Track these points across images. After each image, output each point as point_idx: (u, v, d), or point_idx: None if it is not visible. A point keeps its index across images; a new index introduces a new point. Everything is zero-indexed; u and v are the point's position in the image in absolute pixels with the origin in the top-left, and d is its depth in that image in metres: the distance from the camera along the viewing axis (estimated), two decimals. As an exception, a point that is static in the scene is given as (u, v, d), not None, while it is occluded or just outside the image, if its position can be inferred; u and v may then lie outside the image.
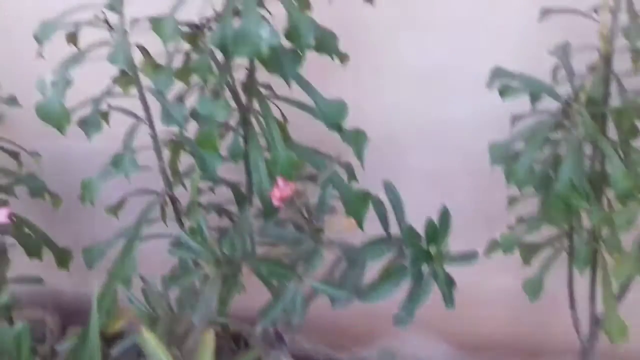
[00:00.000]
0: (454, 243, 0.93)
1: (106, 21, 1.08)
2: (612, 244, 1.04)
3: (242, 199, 1.24)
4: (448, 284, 0.79)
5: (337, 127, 1.04)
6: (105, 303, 0.96)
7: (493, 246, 1.13)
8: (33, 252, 1.36)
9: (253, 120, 1.14)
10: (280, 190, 1.07)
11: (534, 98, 1.06)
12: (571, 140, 0.95)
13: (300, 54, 0.96)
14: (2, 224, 1.04)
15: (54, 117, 1.02)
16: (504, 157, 1.05)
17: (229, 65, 1.00)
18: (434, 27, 1.26)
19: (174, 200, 1.25)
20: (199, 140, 1.10)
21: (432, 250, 0.79)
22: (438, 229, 0.77)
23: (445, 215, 0.79)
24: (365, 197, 1.10)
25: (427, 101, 1.32)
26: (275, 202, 1.07)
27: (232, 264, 0.81)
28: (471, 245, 0.91)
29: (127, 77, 1.16)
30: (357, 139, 1.10)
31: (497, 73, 1.08)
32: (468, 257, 0.80)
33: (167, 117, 1.06)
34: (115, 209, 1.28)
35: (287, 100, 1.13)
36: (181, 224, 1.27)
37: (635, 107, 0.93)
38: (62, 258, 1.43)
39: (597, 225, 1.03)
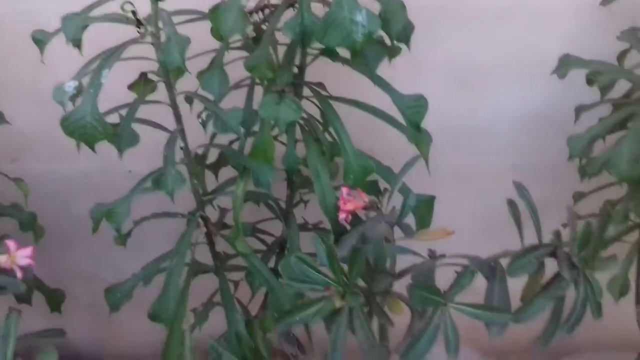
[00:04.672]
0: (490, 246, 0.86)
1: (134, 14, 0.89)
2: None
3: (285, 216, 1.10)
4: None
5: (416, 126, 0.93)
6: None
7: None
8: (21, 296, 1.12)
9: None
10: (350, 202, 0.94)
11: (606, 87, 1.02)
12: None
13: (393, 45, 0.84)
14: (26, 266, 0.82)
15: (87, 130, 0.83)
16: (584, 150, 0.99)
17: (303, 59, 0.86)
18: (474, 19, 1.17)
19: (207, 223, 1.08)
20: (254, 150, 0.95)
21: (586, 255, 0.70)
22: (592, 234, 0.69)
23: (605, 220, 0.71)
24: (431, 201, 1.02)
25: (465, 99, 1.25)
26: (343, 216, 0.94)
27: (370, 292, 0.67)
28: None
29: (149, 83, 0.98)
30: (423, 139, 1.00)
31: (567, 61, 1.02)
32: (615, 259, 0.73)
33: (221, 125, 0.89)
34: (124, 238, 1.09)
35: (344, 100, 1.00)
36: (213, 250, 1.11)
37: None
38: (55, 301, 1.20)
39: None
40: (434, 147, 1.18)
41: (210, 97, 0.92)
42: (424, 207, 1.02)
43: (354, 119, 0.99)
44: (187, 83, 0.93)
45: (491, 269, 0.71)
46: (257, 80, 0.97)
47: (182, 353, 0.74)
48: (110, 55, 0.84)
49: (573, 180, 1.08)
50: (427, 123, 1.12)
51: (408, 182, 0.98)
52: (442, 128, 1.23)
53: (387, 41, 0.87)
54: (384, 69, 0.96)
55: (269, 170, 0.95)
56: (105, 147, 0.92)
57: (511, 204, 0.76)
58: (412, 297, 0.68)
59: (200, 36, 0.89)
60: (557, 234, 0.74)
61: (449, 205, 1.07)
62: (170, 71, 0.90)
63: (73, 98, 0.86)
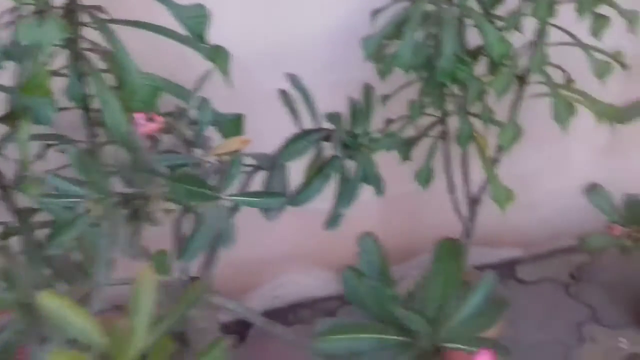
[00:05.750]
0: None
1: None
2: (486, 116, 1.07)
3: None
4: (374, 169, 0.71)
5: (200, 37, 0.89)
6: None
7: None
8: None
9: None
10: (143, 126, 0.90)
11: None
12: (448, 16, 0.92)
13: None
14: None
15: None
16: (377, 51, 1.00)
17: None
18: None
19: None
20: (27, 85, 0.86)
21: (359, 131, 0.70)
22: (363, 109, 0.69)
23: (368, 93, 0.71)
24: (238, 119, 0.99)
25: (274, 20, 1.22)
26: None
27: (134, 195, 0.63)
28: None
29: None
30: (219, 55, 0.96)
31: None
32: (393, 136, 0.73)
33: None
34: None
35: (124, 22, 0.94)
36: (8, 202, 1.02)
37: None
38: None
39: (473, 99, 1.03)
40: (247, 71, 1.15)
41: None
42: (232, 126, 0.99)
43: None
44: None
45: (271, 161, 0.69)
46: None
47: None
48: None
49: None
50: (237, 46, 1.07)
51: (223, 108, 0.94)
52: (254, 51, 1.21)
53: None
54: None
55: (47, 104, 0.88)
56: None
57: (283, 93, 0.75)
58: (175, 191, 0.65)
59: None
60: (332, 117, 0.74)
61: (267, 127, 1.04)
62: None
63: None
